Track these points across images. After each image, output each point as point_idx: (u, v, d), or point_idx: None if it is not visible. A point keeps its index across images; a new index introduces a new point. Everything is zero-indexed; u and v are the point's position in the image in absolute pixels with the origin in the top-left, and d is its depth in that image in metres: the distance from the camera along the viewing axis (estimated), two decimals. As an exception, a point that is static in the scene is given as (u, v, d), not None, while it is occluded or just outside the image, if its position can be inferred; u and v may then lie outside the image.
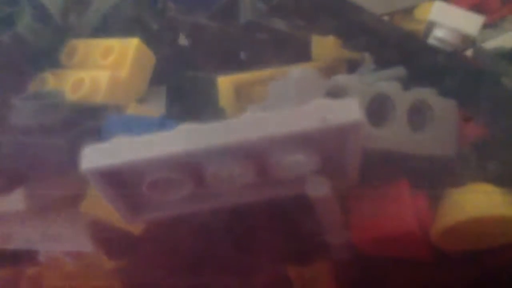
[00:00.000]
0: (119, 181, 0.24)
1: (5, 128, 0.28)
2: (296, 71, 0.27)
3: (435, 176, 0.30)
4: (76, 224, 0.33)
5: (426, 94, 0.31)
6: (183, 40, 0.38)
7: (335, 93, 0.27)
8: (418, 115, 0.30)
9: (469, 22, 0.33)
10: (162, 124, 0.27)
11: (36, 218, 0.33)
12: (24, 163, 0.28)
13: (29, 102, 0.28)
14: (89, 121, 0.29)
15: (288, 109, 0.24)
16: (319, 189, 0.26)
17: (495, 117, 0.30)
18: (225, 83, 0.33)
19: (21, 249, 0.35)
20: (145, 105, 0.35)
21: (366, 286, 0.37)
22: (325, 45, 0.35)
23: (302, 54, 0.36)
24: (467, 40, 0.34)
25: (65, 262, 0.36)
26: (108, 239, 0.34)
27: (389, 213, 0.29)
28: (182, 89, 0.35)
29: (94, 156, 0.23)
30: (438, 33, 0.33)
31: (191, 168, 0.25)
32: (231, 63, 0.37)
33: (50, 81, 0.34)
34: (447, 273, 0.33)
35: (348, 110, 0.24)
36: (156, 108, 0.35)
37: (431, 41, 0.34)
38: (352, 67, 0.36)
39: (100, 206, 0.30)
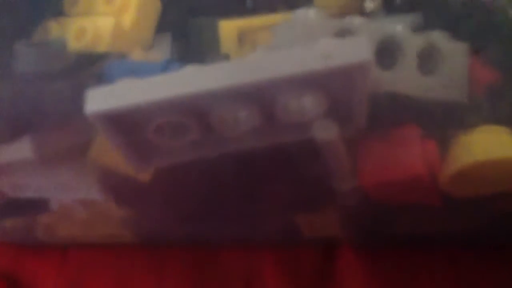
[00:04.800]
0: (124, 125, 0.24)
1: (8, 75, 0.28)
2: (301, 11, 0.26)
3: (445, 121, 0.30)
4: (85, 172, 0.33)
5: (437, 37, 0.30)
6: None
7: (342, 35, 0.27)
8: (428, 59, 0.29)
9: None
10: (165, 68, 0.27)
11: (45, 167, 0.33)
12: (29, 110, 0.28)
13: (31, 49, 0.28)
14: (92, 68, 0.29)
15: (295, 49, 0.24)
16: (326, 133, 0.26)
17: (507, 58, 0.30)
18: (227, 27, 0.32)
19: (34, 198, 0.36)
20: (151, 53, 0.34)
21: (374, 231, 0.37)
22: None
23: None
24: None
25: (76, 210, 0.37)
26: (117, 187, 0.34)
27: (397, 158, 0.29)
28: (186, 35, 0.35)
29: (99, 99, 0.23)
30: None
31: (197, 111, 0.25)
32: (237, 11, 0.36)
33: (53, 29, 0.33)
34: (456, 218, 0.33)
35: (357, 50, 0.23)
36: (162, 56, 0.34)
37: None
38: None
39: (108, 154, 0.30)
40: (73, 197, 0.35)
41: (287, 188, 0.33)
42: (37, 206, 0.37)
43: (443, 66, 0.29)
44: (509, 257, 0.37)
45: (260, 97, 0.25)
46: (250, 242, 0.40)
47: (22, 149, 0.31)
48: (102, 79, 0.29)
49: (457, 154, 0.28)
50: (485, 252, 0.37)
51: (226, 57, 0.31)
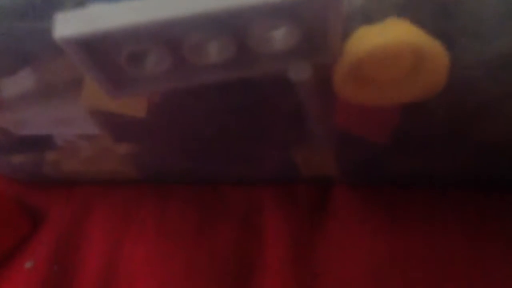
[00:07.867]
0: (95, 51, 0.24)
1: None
2: None
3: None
4: (81, 108, 0.34)
5: None
6: None
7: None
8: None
9: None
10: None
11: (45, 101, 0.34)
12: (26, 41, 0.29)
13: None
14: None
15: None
16: (301, 73, 0.26)
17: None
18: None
19: (38, 135, 0.37)
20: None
21: (366, 170, 0.37)
22: None
23: None
24: None
25: (81, 146, 0.38)
26: (113, 124, 0.35)
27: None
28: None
29: (68, 24, 0.23)
30: None
31: (168, 39, 0.25)
32: None
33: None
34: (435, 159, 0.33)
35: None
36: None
37: None
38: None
39: (99, 96, 0.31)
40: (73, 132, 0.36)
41: (284, 126, 0.33)
42: (42, 142, 0.38)
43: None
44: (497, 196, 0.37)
45: (233, 26, 0.24)
46: (250, 180, 0.41)
47: (22, 82, 0.32)
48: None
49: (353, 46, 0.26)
50: (473, 189, 0.37)
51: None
